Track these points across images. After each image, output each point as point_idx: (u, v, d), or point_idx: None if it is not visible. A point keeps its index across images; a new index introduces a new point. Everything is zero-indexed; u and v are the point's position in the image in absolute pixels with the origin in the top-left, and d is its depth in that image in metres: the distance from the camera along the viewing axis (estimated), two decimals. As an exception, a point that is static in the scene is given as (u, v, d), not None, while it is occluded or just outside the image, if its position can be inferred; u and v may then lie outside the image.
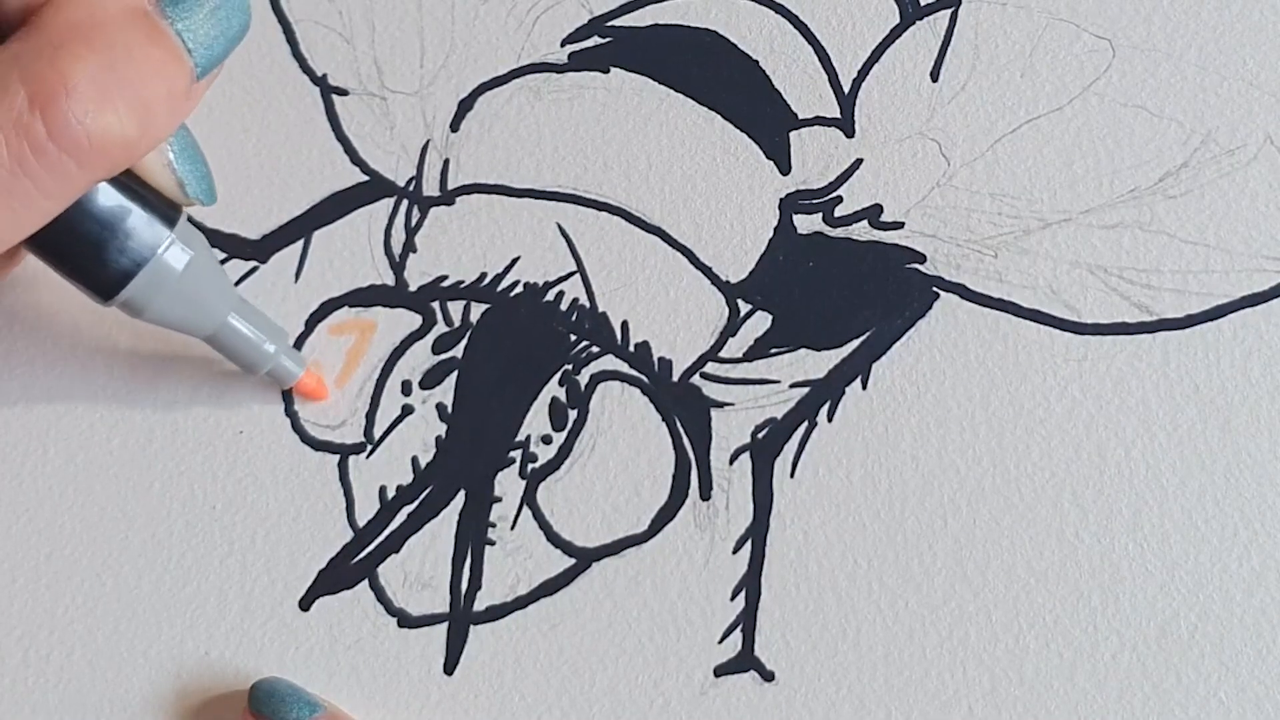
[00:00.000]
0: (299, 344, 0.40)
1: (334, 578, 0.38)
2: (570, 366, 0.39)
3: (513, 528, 0.38)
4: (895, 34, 0.41)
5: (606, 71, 0.41)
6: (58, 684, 0.37)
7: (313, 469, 0.39)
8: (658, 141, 0.41)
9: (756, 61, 0.41)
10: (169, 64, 0.31)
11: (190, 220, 0.35)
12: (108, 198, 0.33)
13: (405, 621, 0.37)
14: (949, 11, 0.41)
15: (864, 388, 0.38)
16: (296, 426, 0.39)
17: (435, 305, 0.40)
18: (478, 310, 0.39)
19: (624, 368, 0.39)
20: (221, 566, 0.38)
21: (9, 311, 0.39)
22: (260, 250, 0.40)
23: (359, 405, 0.39)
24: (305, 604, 0.38)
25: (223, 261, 0.40)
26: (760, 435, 0.38)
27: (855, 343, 0.38)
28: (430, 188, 0.41)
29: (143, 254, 0.33)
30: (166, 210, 0.34)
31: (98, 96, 0.29)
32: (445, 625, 0.37)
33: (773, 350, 0.38)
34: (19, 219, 0.30)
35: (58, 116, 0.29)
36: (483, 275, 0.40)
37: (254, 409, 0.39)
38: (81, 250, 0.33)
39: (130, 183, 0.33)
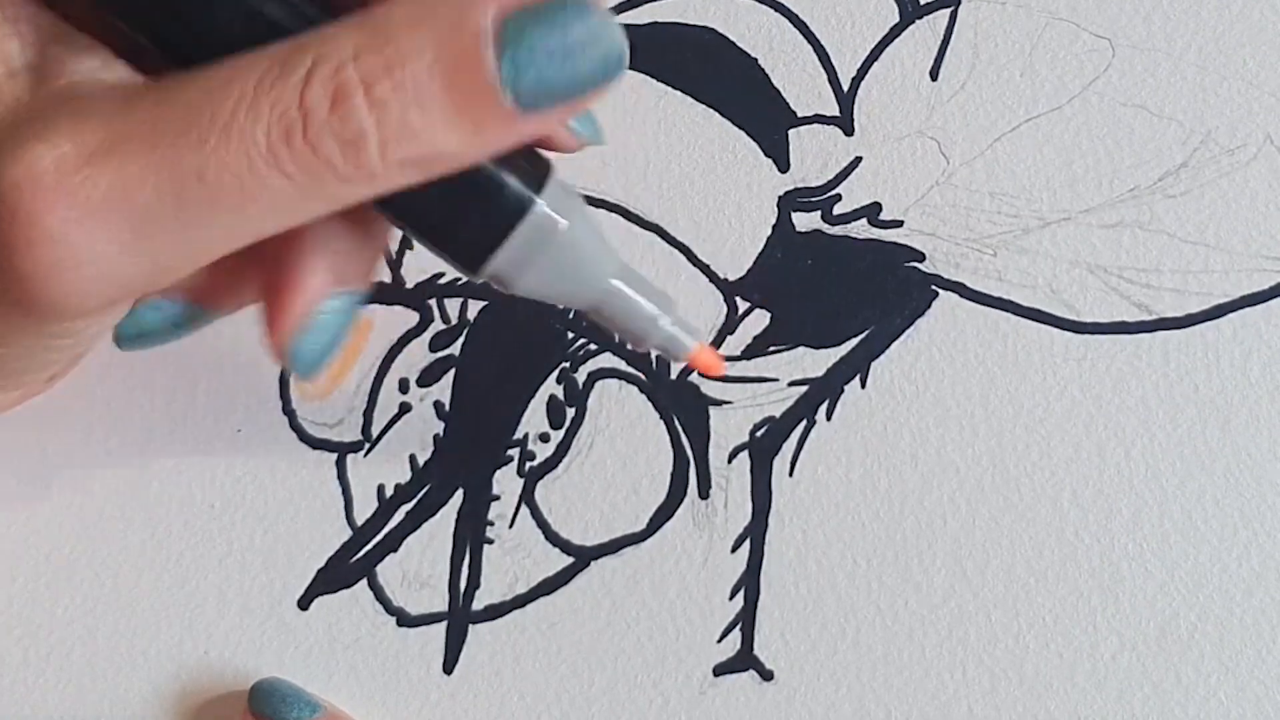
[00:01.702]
0: (297, 342, 0.39)
1: (333, 577, 0.38)
2: (568, 364, 0.39)
3: (511, 526, 0.38)
4: (895, 32, 0.41)
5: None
6: (58, 684, 0.37)
7: (311, 467, 0.39)
8: (656, 139, 0.41)
9: (755, 59, 0.41)
10: (477, 97, 0.26)
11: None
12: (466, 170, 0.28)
13: (404, 620, 0.37)
14: (948, 10, 0.40)
15: (863, 386, 0.38)
16: (294, 425, 0.39)
17: (432, 303, 0.40)
18: (475, 308, 0.39)
19: (622, 365, 0.39)
20: (221, 566, 0.38)
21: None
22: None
23: (356, 403, 0.39)
24: (304, 603, 0.38)
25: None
26: (759, 434, 0.38)
27: (854, 341, 0.38)
28: (429, 186, 0.41)
29: (507, 222, 0.29)
30: (533, 172, 0.29)
31: (361, 114, 0.26)
32: (444, 624, 0.37)
33: (771, 348, 0.38)
34: (272, 212, 0.27)
35: (315, 122, 0.26)
36: (481, 273, 0.40)
37: (252, 407, 0.39)
38: (441, 220, 0.29)
39: None
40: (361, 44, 0.26)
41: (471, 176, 0.28)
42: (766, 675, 0.36)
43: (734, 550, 0.37)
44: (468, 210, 0.29)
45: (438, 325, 0.39)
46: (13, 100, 0.27)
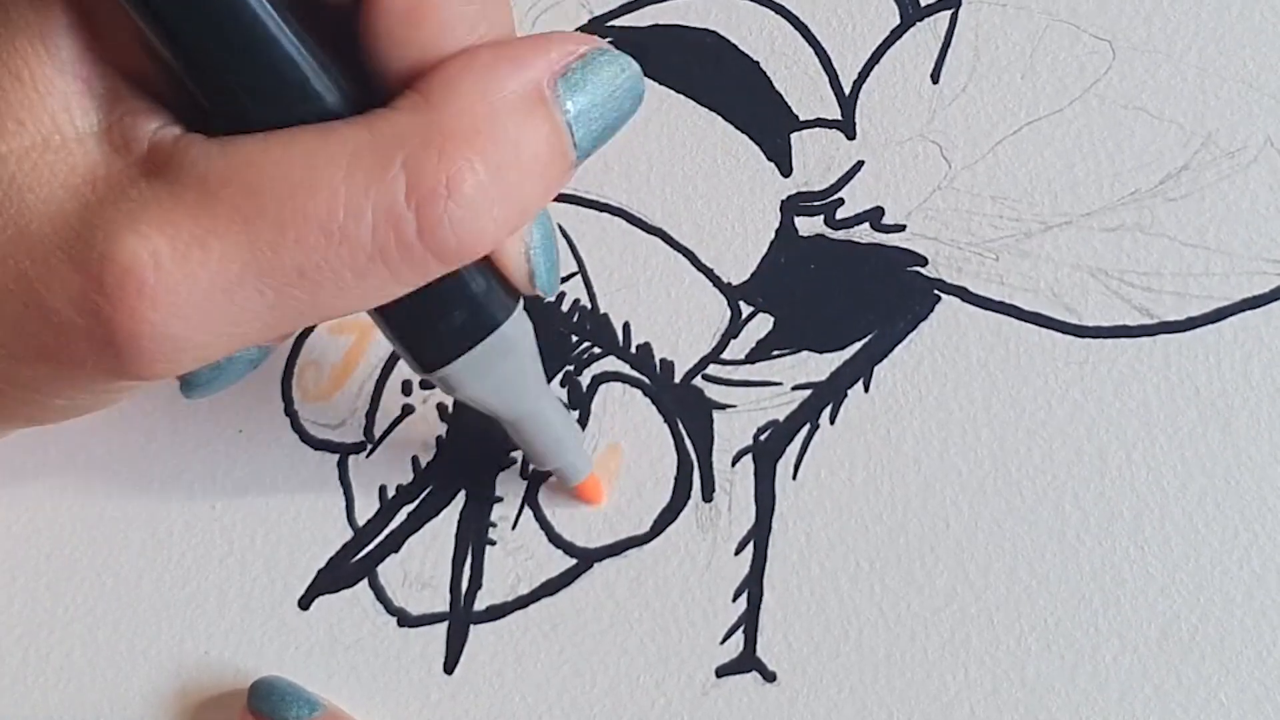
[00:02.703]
0: (299, 342, 0.40)
1: (334, 577, 0.38)
2: (572, 368, 0.39)
3: (514, 528, 0.38)
4: (895, 35, 0.41)
5: (607, 72, 0.41)
6: (58, 684, 0.37)
7: (312, 468, 0.38)
8: (659, 142, 0.41)
9: (757, 63, 0.41)
10: (554, 159, 0.28)
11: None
12: (452, 274, 0.29)
13: (405, 620, 0.37)
14: (949, 13, 0.41)
15: (866, 390, 0.38)
16: (296, 426, 0.39)
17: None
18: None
19: (626, 369, 0.39)
20: (221, 566, 0.38)
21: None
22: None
23: (359, 405, 0.39)
24: (305, 603, 0.37)
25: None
26: (762, 437, 0.38)
27: (857, 345, 0.38)
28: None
29: (476, 333, 0.31)
30: (505, 290, 0.31)
31: (479, 201, 0.27)
32: (445, 624, 0.37)
33: (775, 352, 0.39)
34: (364, 299, 0.28)
35: (433, 218, 0.26)
36: (484, 275, 0.40)
37: (254, 408, 0.39)
38: (414, 320, 0.31)
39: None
40: (447, 129, 0.26)
41: (456, 286, 0.30)
42: (769, 677, 0.36)
43: (737, 553, 0.37)
44: (445, 315, 0.30)
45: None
46: (87, 169, 0.27)
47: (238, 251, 0.26)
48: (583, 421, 0.38)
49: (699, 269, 0.39)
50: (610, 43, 0.41)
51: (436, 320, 0.30)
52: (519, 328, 0.32)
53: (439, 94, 0.27)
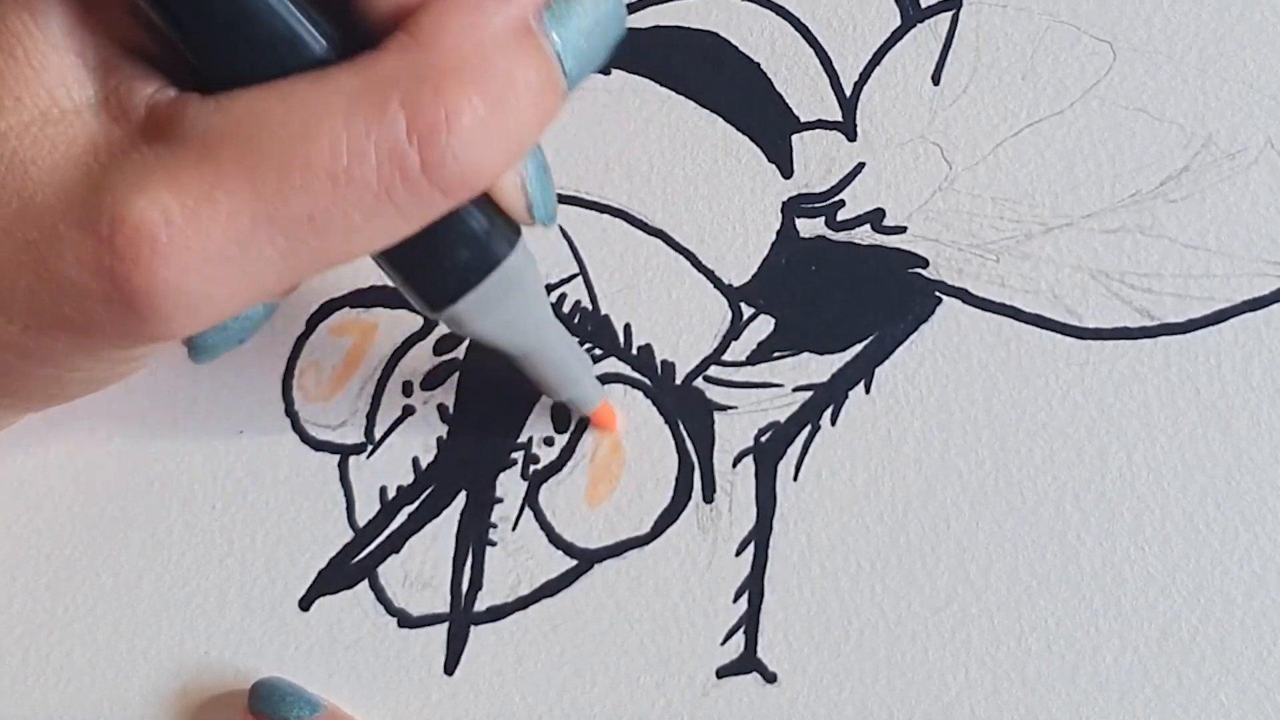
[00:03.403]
0: (299, 344, 0.40)
1: (334, 577, 0.38)
2: (572, 368, 0.39)
3: (514, 529, 0.38)
4: (896, 36, 0.41)
5: (608, 73, 0.41)
6: (58, 684, 0.37)
7: (313, 469, 0.38)
8: (659, 144, 0.41)
9: (758, 64, 0.41)
10: (547, 89, 0.29)
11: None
12: (453, 212, 0.30)
13: (405, 621, 0.37)
14: (950, 14, 0.41)
15: (867, 391, 0.38)
16: (297, 426, 0.39)
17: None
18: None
19: (627, 370, 0.39)
20: (221, 566, 0.38)
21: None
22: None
23: (359, 405, 0.39)
24: (305, 604, 0.37)
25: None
26: (763, 438, 0.38)
27: (858, 347, 0.38)
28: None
29: (482, 269, 0.31)
30: (506, 224, 0.32)
31: (478, 133, 0.27)
32: (445, 625, 0.37)
33: (775, 354, 0.39)
34: (373, 240, 0.28)
35: (435, 152, 0.27)
36: (484, 276, 0.40)
37: (254, 409, 0.39)
38: (419, 259, 0.31)
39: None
40: (440, 66, 0.27)
41: (458, 223, 0.30)
42: (770, 678, 0.36)
43: (738, 554, 0.37)
44: (450, 253, 0.31)
45: (442, 329, 0.39)
46: (87, 139, 0.27)
47: (246, 203, 0.26)
48: (583, 422, 0.38)
49: (700, 270, 0.39)
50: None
51: (441, 259, 0.31)
52: (523, 261, 0.32)
53: (428, 33, 0.27)
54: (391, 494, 0.38)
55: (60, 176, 0.27)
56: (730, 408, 0.38)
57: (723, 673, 0.36)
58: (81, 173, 0.27)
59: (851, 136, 0.40)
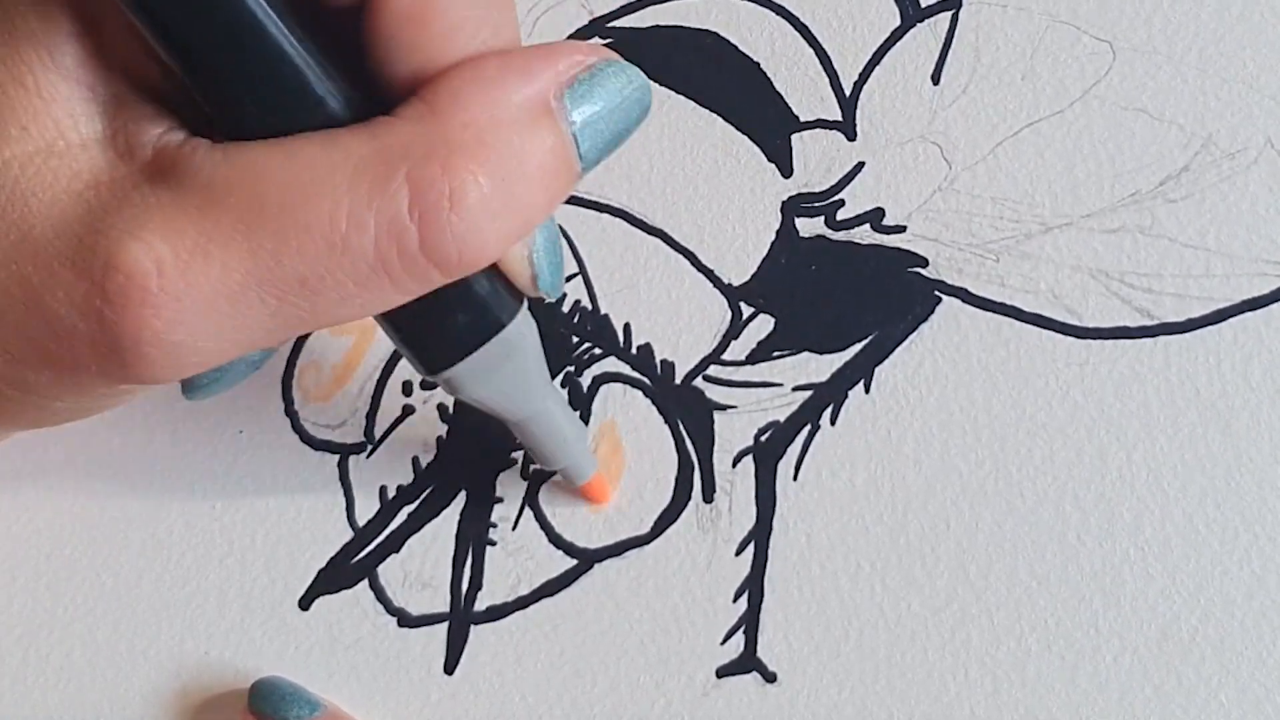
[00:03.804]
0: (299, 345, 0.40)
1: (334, 577, 0.38)
2: (572, 368, 0.39)
3: (514, 528, 0.38)
4: (896, 36, 0.41)
5: (608, 73, 0.41)
6: (58, 684, 0.37)
7: (313, 468, 0.38)
8: (659, 143, 0.41)
9: (758, 64, 0.41)
10: (559, 170, 0.28)
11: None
12: None
13: (405, 621, 0.37)
14: (950, 14, 0.41)
15: (866, 391, 0.38)
16: (296, 426, 0.39)
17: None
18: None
19: (626, 370, 0.39)
20: (221, 566, 0.38)
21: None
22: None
23: (359, 405, 0.39)
24: (305, 603, 0.37)
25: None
26: (763, 438, 0.38)
27: (858, 346, 0.38)
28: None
29: (481, 335, 0.31)
30: (509, 290, 0.31)
31: (480, 210, 0.27)
32: (445, 625, 0.37)
33: (775, 353, 0.39)
34: (365, 308, 0.28)
35: (435, 230, 0.26)
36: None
37: (254, 408, 0.39)
38: (419, 322, 0.31)
39: None
40: (451, 141, 0.26)
41: (460, 288, 0.29)
42: (770, 678, 0.36)
43: (738, 553, 0.37)
44: (450, 317, 0.30)
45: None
46: (91, 175, 0.27)
47: (240, 260, 0.26)
48: (583, 422, 0.38)
49: (700, 270, 0.39)
50: (609, 44, 0.42)
51: (440, 322, 0.30)
52: (523, 329, 0.32)
53: (444, 104, 0.27)
54: (391, 493, 0.38)
55: (60, 211, 0.27)
56: (730, 407, 0.38)
57: (722, 672, 0.36)
58: (82, 210, 0.27)
59: (851, 136, 0.40)
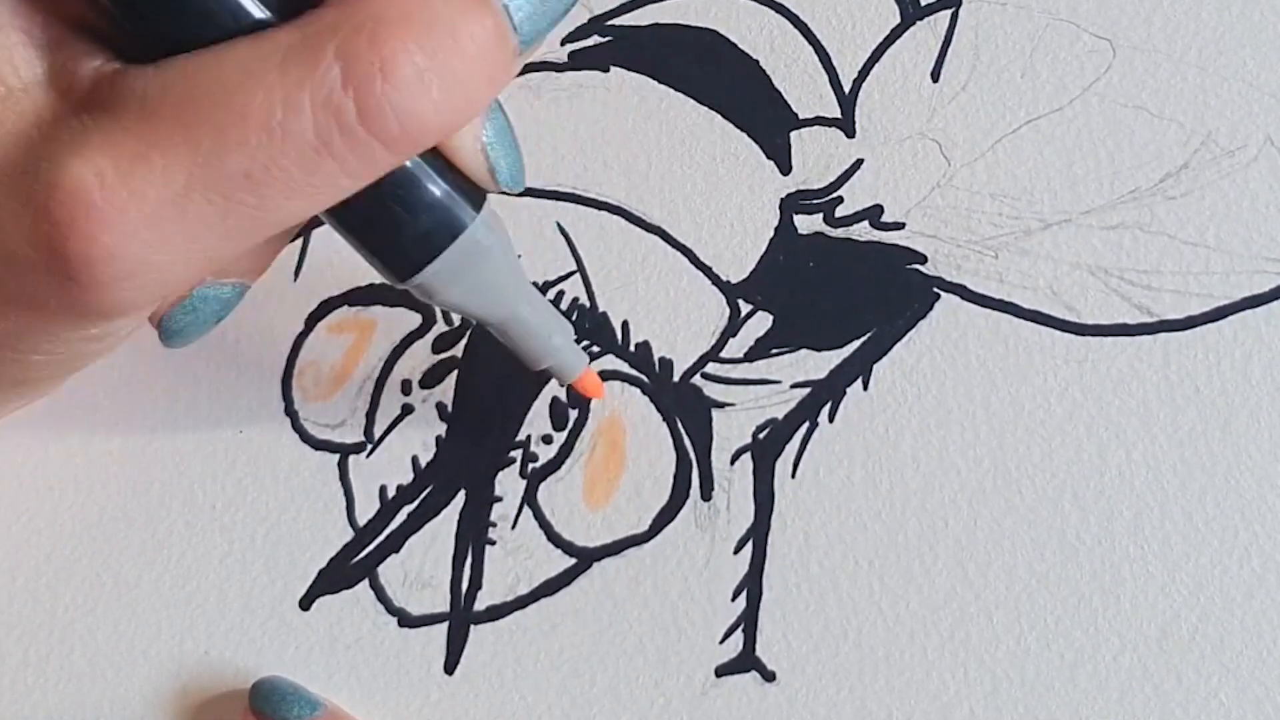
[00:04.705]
0: (298, 344, 0.40)
1: (334, 577, 0.38)
2: (571, 366, 0.39)
3: (513, 527, 0.38)
4: (896, 34, 0.41)
5: (606, 70, 0.41)
6: (58, 684, 0.37)
7: (313, 468, 0.39)
8: (658, 141, 0.41)
9: (757, 61, 0.41)
10: (493, 44, 0.28)
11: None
12: (411, 173, 0.29)
13: (405, 621, 0.37)
14: (949, 12, 0.41)
15: (865, 388, 0.38)
16: (296, 426, 0.39)
17: (435, 304, 0.40)
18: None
19: (624, 368, 0.39)
20: (221, 566, 0.38)
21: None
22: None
23: (359, 404, 0.39)
24: (305, 603, 0.38)
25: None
26: (761, 435, 0.38)
27: (856, 343, 0.38)
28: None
29: (445, 237, 0.30)
30: (470, 190, 0.31)
31: (415, 81, 0.26)
32: (445, 625, 0.37)
33: (774, 351, 0.38)
34: (315, 198, 0.27)
35: (370, 100, 0.26)
36: (483, 275, 0.40)
37: (254, 408, 0.39)
38: (380, 228, 0.30)
39: (435, 159, 0.30)
40: (378, 16, 0.26)
41: (417, 189, 0.29)
42: (769, 676, 0.36)
43: (736, 552, 0.37)
44: (410, 221, 0.30)
45: (440, 327, 0.39)
46: (34, 115, 0.27)
47: (181, 161, 0.26)
48: (581, 420, 0.38)
49: (698, 267, 0.39)
50: (609, 42, 0.41)
51: (403, 228, 0.30)
52: (489, 229, 0.31)
53: None
54: (391, 493, 0.38)
55: (4, 153, 0.27)
56: (728, 405, 0.38)
57: (721, 671, 0.36)
58: (25, 147, 0.27)
59: (850, 133, 0.40)
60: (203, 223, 0.27)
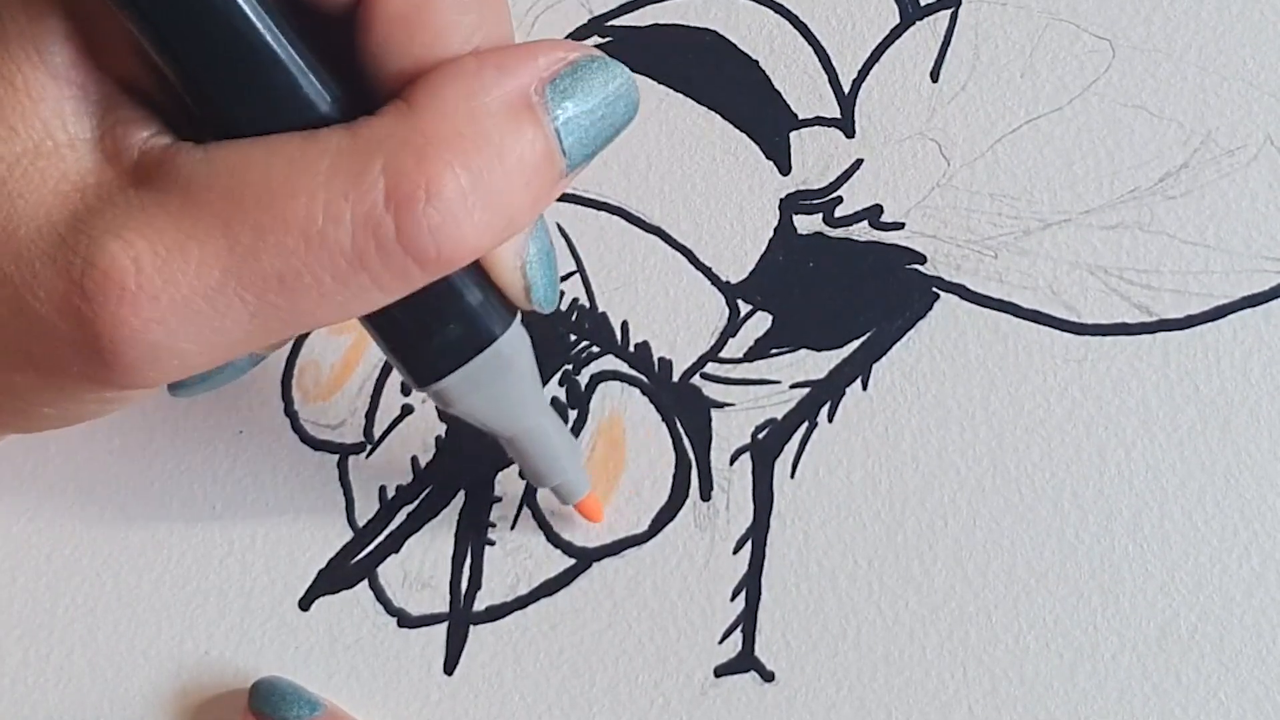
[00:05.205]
0: (299, 343, 0.40)
1: (334, 577, 0.38)
2: (570, 366, 0.39)
3: (513, 528, 0.38)
4: (895, 34, 0.41)
5: (606, 71, 0.41)
6: (58, 684, 0.37)
7: (312, 469, 0.39)
8: (657, 141, 0.41)
9: (756, 61, 0.41)
10: (540, 165, 0.27)
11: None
12: (446, 281, 0.29)
13: (405, 621, 0.37)
14: (949, 11, 0.41)
15: (864, 388, 0.38)
16: (296, 426, 0.39)
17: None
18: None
19: (624, 368, 0.39)
20: (221, 566, 0.38)
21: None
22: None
23: (359, 405, 0.39)
24: (305, 603, 0.38)
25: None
26: (761, 436, 0.38)
27: (855, 343, 0.38)
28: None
29: (471, 348, 0.30)
30: (502, 304, 0.31)
31: (459, 203, 0.26)
32: (445, 625, 0.37)
33: (773, 351, 0.39)
34: (345, 307, 0.27)
35: (410, 221, 0.26)
36: (483, 275, 0.40)
37: (253, 408, 0.39)
38: (407, 332, 0.30)
39: (472, 268, 0.30)
40: (428, 134, 0.26)
41: (450, 298, 0.29)
42: (768, 676, 0.36)
43: (735, 552, 0.37)
44: (439, 329, 0.30)
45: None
46: (78, 177, 0.27)
47: (218, 257, 0.26)
48: (581, 420, 0.38)
49: (697, 267, 0.39)
50: (609, 43, 0.42)
51: (431, 334, 0.30)
52: (516, 343, 0.31)
53: (422, 100, 0.27)
54: (391, 493, 0.38)
55: (45, 211, 0.27)
56: (728, 405, 0.38)
57: (721, 671, 0.36)
58: (66, 211, 0.27)
59: (850, 133, 0.40)
60: (231, 317, 0.27)
